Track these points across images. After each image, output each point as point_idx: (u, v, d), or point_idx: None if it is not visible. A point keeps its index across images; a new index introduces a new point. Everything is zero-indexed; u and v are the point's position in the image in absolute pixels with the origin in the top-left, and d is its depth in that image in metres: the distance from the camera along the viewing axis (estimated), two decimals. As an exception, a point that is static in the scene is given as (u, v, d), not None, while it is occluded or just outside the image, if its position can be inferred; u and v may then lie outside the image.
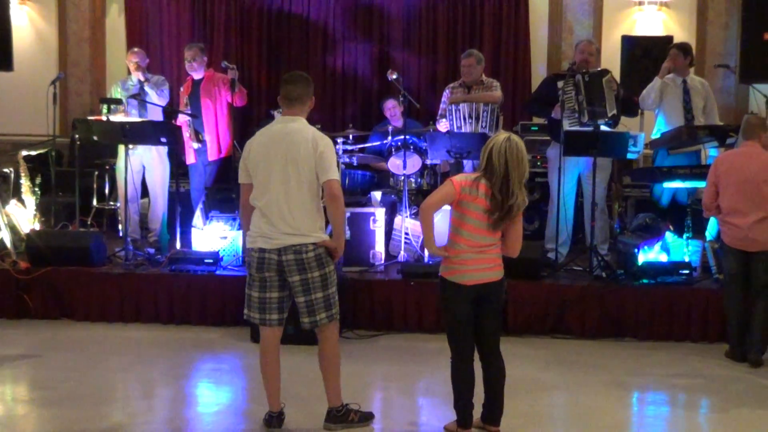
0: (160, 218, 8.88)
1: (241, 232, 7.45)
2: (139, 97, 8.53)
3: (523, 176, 4.75)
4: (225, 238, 7.80)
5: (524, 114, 9.85)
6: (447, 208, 5.53)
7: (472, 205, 4.76)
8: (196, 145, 8.74)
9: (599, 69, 8.06)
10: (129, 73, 8.77)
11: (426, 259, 7.78)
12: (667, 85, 8.20)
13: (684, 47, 8.30)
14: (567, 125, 7.76)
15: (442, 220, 7.75)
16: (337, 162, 5.19)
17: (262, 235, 4.92)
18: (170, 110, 8.76)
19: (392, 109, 9.19)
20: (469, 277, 4.81)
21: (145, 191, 8.87)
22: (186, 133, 8.62)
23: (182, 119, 8.64)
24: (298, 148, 4.88)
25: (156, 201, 8.87)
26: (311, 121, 5.18)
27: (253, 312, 5.04)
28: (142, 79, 8.58)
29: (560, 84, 7.91)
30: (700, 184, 7.91)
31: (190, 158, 8.86)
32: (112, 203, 9.45)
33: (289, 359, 5.68)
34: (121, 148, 8.56)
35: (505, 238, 4.88)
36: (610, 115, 7.71)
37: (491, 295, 4.88)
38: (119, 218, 8.96)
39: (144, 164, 8.64)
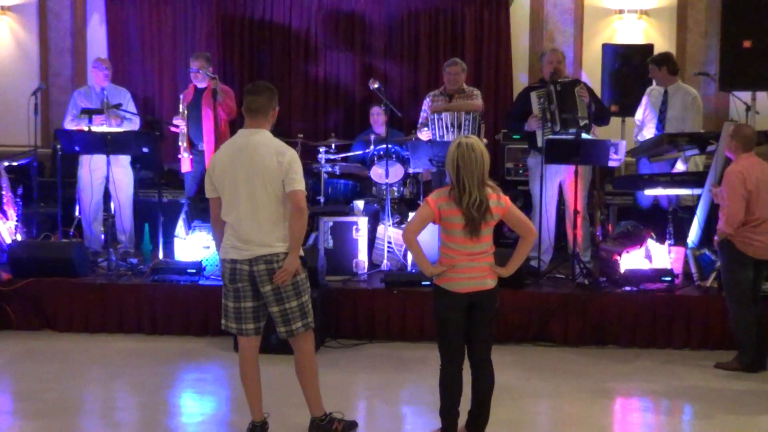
0: (129, 230, 8.84)
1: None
2: (118, 108, 8.51)
3: (480, 174, 4.72)
4: (208, 247, 7.79)
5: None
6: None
7: (451, 218, 4.78)
8: (186, 155, 8.71)
9: (571, 79, 8.13)
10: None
11: (409, 268, 7.79)
12: (652, 94, 8.35)
13: (656, 59, 8.40)
14: (540, 135, 7.82)
15: (428, 233, 7.78)
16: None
17: (233, 246, 4.92)
18: (152, 120, 8.74)
19: (377, 115, 9.20)
20: (461, 285, 4.82)
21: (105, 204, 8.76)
22: (182, 143, 8.61)
23: (179, 126, 8.68)
24: (263, 161, 4.84)
25: (123, 212, 8.77)
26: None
27: (230, 322, 5.03)
28: (104, 99, 8.58)
29: (533, 96, 7.97)
30: (682, 191, 7.98)
31: (185, 166, 8.80)
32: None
33: (273, 369, 5.68)
34: (84, 158, 8.54)
35: (515, 229, 4.95)
36: (582, 124, 7.73)
37: (484, 303, 4.89)
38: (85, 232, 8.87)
39: (106, 176, 8.37)
